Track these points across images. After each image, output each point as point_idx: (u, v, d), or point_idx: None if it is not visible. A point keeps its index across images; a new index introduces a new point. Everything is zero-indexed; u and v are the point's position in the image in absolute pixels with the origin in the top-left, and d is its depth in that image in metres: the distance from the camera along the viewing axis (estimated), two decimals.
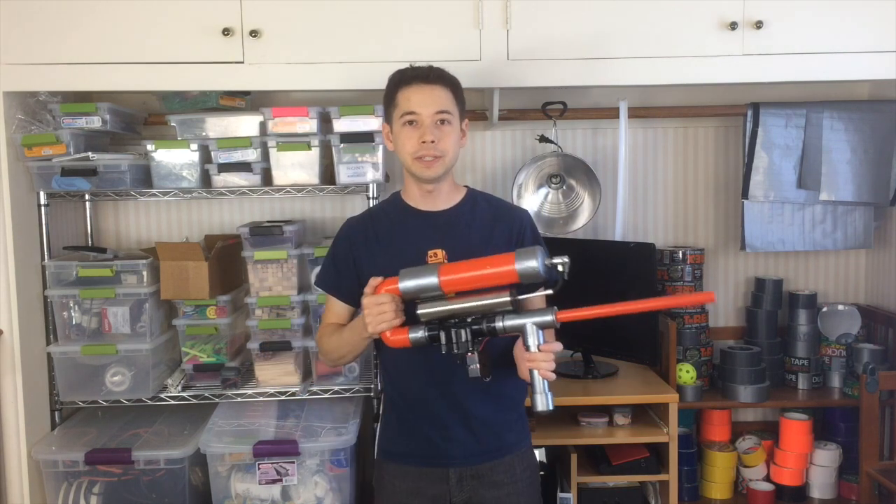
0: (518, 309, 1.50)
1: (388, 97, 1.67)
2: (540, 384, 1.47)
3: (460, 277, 1.49)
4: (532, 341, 1.48)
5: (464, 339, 1.48)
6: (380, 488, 1.75)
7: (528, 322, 1.48)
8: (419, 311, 1.52)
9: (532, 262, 1.44)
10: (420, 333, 1.52)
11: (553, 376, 1.48)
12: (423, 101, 1.61)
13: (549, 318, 1.47)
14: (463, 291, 1.51)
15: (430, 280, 1.49)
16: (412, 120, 1.62)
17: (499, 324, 1.48)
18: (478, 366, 1.48)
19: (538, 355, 1.47)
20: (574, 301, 1.90)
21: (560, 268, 1.47)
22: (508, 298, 1.48)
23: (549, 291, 1.50)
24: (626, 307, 1.47)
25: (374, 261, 1.69)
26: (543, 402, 1.47)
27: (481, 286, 1.49)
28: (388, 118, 1.70)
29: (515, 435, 1.72)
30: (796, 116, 2.56)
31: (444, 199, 1.71)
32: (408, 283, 1.50)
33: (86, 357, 2.22)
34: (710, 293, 1.45)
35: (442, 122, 1.62)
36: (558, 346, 1.51)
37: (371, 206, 2.24)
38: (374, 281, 1.57)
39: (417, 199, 1.71)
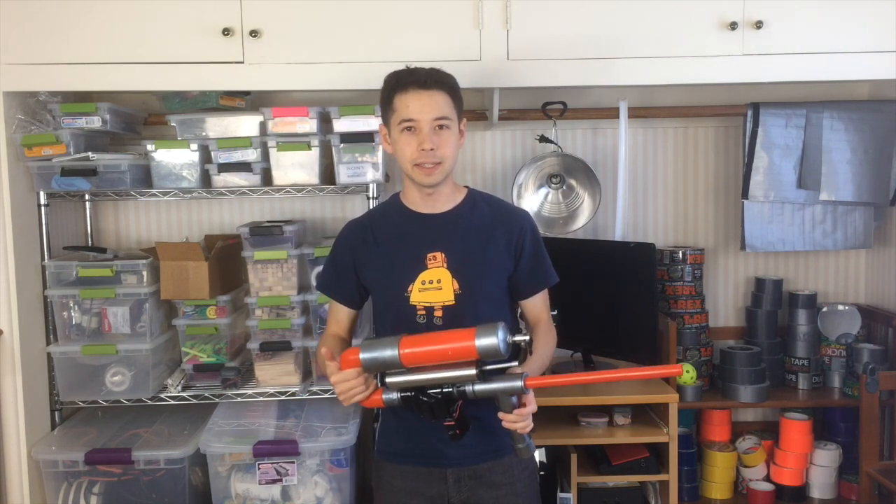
0: (486, 378, 1.48)
1: (385, 101, 1.66)
2: (519, 439, 1.52)
3: (420, 352, 1.47)
4: (505, 407, 1.49)
5: (438, 406, 1.49)
6: (378, 488, 1.76)
7: (499, 391, 1.47)
8: (387, 381, 1.52)
9: (492, 340, 1.42)
10: (394, 395, 1.52)
11: (529, 429, 1.51)
12: (422, 107, 1.60)
13: (517, 384, 1.46)
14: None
15: (390, 353, 1.47)
16: (410, 126, 1.61)
17: (468, 388, 1.48)
18: (457, 432, 1.51)
19: (512, 417, 1.48)
20: (576, 300, 1.91)
21: (522, 345, 1.48)
22: (474, 372, 1.46)
23: (515, 363, 1.49)
24: (593, 377, 1.53)
25: (373, 264, 1.69)
26: (526, 452, 1.55)
27: (442, 361, 1.48)
28: (385, 120, 1.69)
29: None
30: (796, 116, 2.55)
31: (443, 202, 1.70)
32: (368, 355, 1.49)
33: (86, 357, 2.22)
34: (679, 367, 1.47)
35: (440, 127, 1.62)
36: (532, 409, 1.51)
37: (371, 207, 2.24)
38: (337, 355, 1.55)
39: (417, 201, 1.70)
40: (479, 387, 1.47)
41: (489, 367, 1.48)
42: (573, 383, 1.49)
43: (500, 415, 1.49)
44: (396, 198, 1.76)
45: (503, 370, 1.50)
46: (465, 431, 1.53)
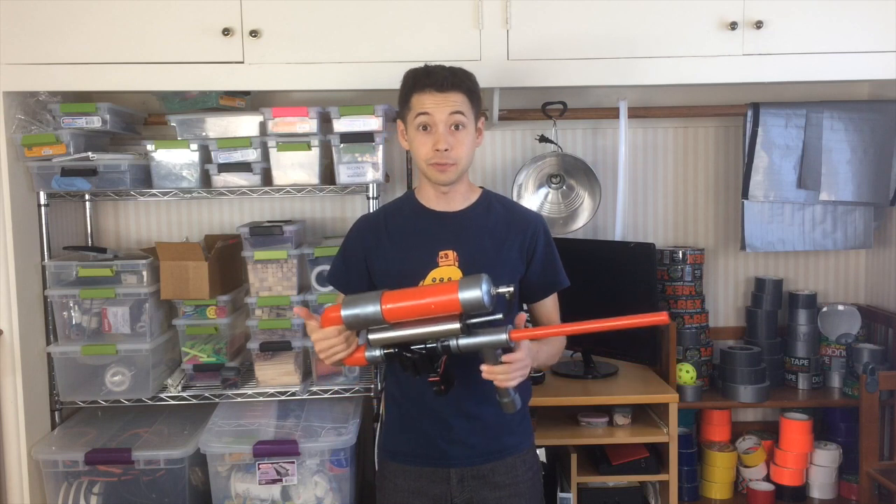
0: (471, 332, 1.46)
1: (403, 98, 1.66)
2: (504, 392, 1.50)
3: (402, 306, 1.46)
4: (490, 362, 1.47)
5: (422, 362, 1.47)
6: (381, 487, 1.76)
7: (483, 345, 1.46)
8: (370, 337, 1.50)
9: (475, 293, 1.40)
10: (377, 353, 1.50)
11: (510, 384, 1.48)
12: (438, 108, 1.60)
13: (502, 337, 1.44)
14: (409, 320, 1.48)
15: (372, 308, 1.46)
16: (426, 124, 1.61)
17: (452, 343, 1.46)
18: (441, 388, 1.49)
19: (495, 368, 1.47)
20: (575, 300, 1.91)
21: (507, 296, 1.45)
22: (458, 326, 1.44)
23: (500, 316, 1.46)
24: (579, 327, 1.47)
25: (385, 260, 1.69)
26: (511, 406, 1.51)
27: (425, 315, 1.46)
28: (401, 116, 1.69)
29: (518, 436, 1.71)
30: (796, 116, 2.55)
31: (458, 200, 1.70)
32: (349, 312, 1.47)
33: (86, 357, 2.22)
34: (665, 314, 1.43)
35: (456, 127, 1.62)
36: (519, 357, 1.47)
37: (371, 207, 2.24)
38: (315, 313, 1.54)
39: (432, 199, 1.70)
40: (464, 341, 1.45)
41: (474, 321, 1.46)
42: (558, 334, 1.47)
43: (483, 366, 1.47)
44: (411, 194, 1.75)
45: (488, 323, 1.47)
46: (449, 388, 1.51)
